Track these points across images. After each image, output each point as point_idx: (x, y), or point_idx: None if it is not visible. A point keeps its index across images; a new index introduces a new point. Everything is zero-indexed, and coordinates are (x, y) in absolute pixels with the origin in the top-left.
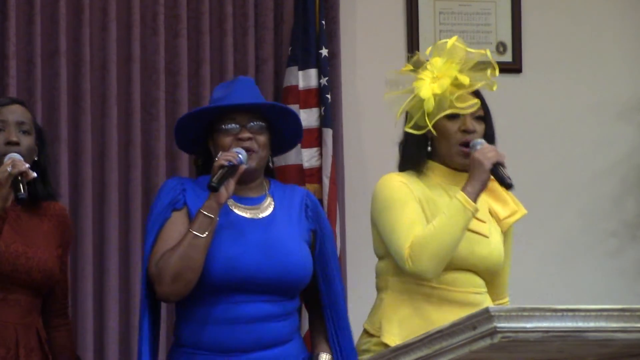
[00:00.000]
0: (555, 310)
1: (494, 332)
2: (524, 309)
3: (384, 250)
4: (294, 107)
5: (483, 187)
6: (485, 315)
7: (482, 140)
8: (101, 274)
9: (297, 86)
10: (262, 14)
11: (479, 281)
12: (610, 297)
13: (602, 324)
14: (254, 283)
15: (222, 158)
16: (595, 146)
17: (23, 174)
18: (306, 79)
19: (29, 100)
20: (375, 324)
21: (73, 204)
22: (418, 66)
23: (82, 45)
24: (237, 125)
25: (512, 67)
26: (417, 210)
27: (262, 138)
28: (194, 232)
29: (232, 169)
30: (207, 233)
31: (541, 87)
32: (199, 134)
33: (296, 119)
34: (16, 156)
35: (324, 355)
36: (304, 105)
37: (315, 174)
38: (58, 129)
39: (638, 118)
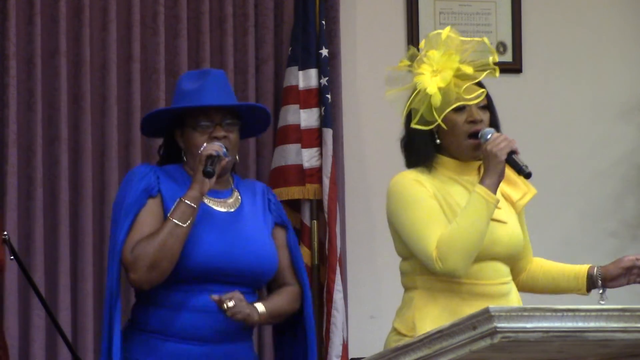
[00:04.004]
0: (555, 310)
1: (494, 332)
2: (524, 309)
3: (408, 251)
4: (294, 107)
5: (501, 177)
6: (485, 315)
7: (491, 129)
8: (101, 274)
9: (297, 86)
10: (262, 14)
11: (504, 269)
12: (610, 297)
13: (602, 324)
14: (229, 273)
15: (208, 148)
16: (595, 146)
17: None
18: (306, 79)
19: (29, 101)
20: (408, 323)
21: (73, 204)
22: (414, 60)
23: (82, 45)
24: (211, 123)
25: (512, 67)
26: (434, 207)
27: (234, 135)
28: (175, 221)
29: (219, 159)
30: (188, 222)
31: (541, 87)
32: (164, 124)
33: (267, 116)
34: None
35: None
36: (304, 105)
37: (315, 174)
38: (58, 129)
39: (638, 118)
